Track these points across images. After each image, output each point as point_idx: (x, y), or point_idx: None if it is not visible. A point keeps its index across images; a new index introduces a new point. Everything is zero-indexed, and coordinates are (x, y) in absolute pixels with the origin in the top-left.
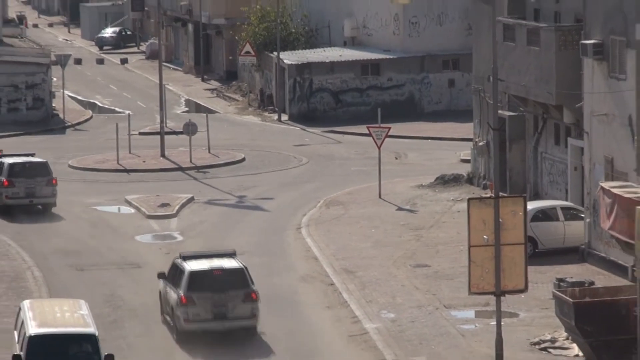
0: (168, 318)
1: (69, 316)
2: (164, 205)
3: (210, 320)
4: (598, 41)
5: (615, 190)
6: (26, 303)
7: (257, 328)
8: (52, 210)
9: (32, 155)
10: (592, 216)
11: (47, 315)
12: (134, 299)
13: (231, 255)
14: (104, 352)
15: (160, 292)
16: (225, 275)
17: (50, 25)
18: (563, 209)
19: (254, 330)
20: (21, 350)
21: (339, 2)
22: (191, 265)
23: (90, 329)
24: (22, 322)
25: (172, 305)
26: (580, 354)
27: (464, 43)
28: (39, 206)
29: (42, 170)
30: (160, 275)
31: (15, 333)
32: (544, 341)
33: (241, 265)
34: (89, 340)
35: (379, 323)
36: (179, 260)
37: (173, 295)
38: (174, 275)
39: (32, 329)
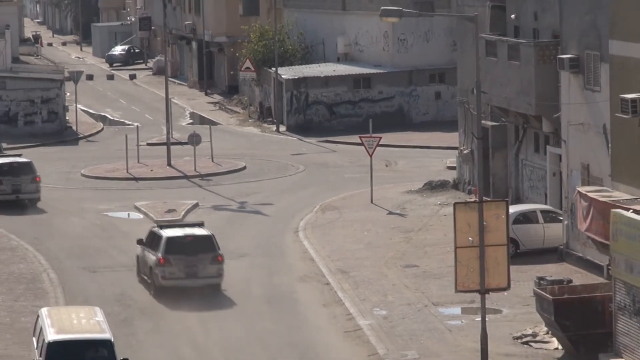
0: (145, 277)
1: (85, 322)
2: (170, 210)
3: (184, 278)
4: (574, 56)
5: (591, 195)
6: (44, 311)
7: (221, 286)
8: (37, 205)
9: (19, 156)
10: (570, 219)
11: (64, 322)
12: (143, 298)
13: (200, 225)
14: (119, 356)
15: (138, 256)
16: (196, 241)
17: (64, 44)
18: (543, 212)
19: (218, 287)
20: (40, 356)
21: (332, 21)
22: (167, 233)
23: (106, 335)
24: (41, 329)
25: (151, 266)
26: (560, 347)
27: (449, 58)
28: (26, 201)
29: (27, 169)
30: (139, 242)
31: (34, 340)
32: (526, 335)
33: (209, 233)
34: (105, 345)
35: (371, 320)
36: (156, 229)
37: (152, 257)
38: (152, 241)
39: (51, 335)
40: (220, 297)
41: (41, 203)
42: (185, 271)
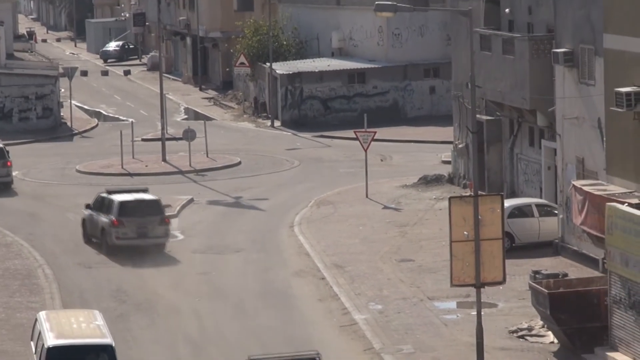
0: (95, 239)
1: (85, 327)
2: (165, 206)
3: (135, 238)
4: (568, 50)
5: (586, 188)
6: (42, 314)
7: (166, 245)
8: (12, 188)
9: None
10: (565, 212)
11: (64, 327)
12: (138, 294)
13: (145, 190)
14: None
15: (84, 220)
16: (145, 204)
17: (58, 40)
18: (538, 206)
19: (164, 247)
20: None
21: (326, 16)
22: (119, 197)
23: (107, 340)
24: (40, 334)
25: (103, 227)
26: (555, 340)
27: (443, 53)
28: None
29: None
30: (87, 206)
31: (32, 344)
32: (522, 329)
33: (157, 197)
34: (106, 350)
35: (367, 314)
36: (105, 194)
37: (104, 219)
38: (101, 205)
39: (50, 340)
40: (216, 292)
41: (36, 199)
42: (136, 232)
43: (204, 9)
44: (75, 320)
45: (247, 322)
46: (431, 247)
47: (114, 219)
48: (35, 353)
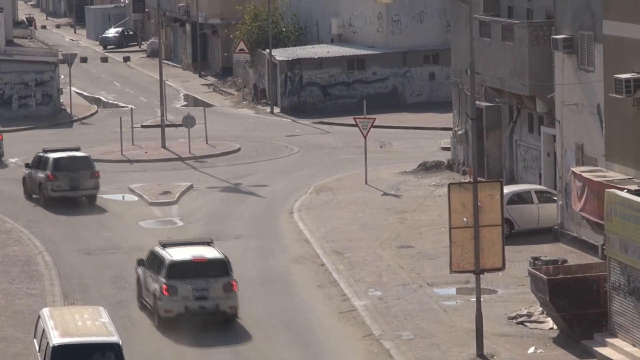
0: (34, 195)
1: (90, 324)
2: (165, 193)
3: (68, 190)
4: (568, 36)
5: (585, 175)
6: (45, 311)
7: (97, 198)
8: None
9: None
10: (564, 199)
11: (68, 324)
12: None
13: (77, 149)
14: None
15: (24, 178)
16: (76, 160)
17: (58, 26)
18: (537, 192)
19: (94, 198)
20: None
21: (326, 2)
22: (53, 155)
23: (114, 338)
24: (43, 331)
25: (40, 182)
26: (555, 327)
27: (443, 39)
28: None
29: None
30: (27, 165)
31: (36, 342)
32: (521, 315)
33: (87, 154)
34: (113, 349)
35: (366, 300)
36: (41, 153)
37: (41, 175)
38: (39, 163)
39: (55, 338)
40: None
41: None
42: (69, 184)
43: None
44: (80, 318)
45: (246, 308)
46: (431, 234)
47: (49, 173)
48: (39, 351)
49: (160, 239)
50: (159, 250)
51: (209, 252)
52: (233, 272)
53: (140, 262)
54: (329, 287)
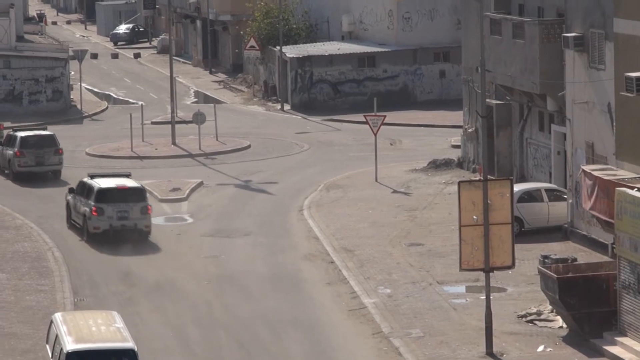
0: (6, 171)
1: (104, 330)
2: (175, 189)
3: (34, 166)
4: (579, 34)
5: (595, 173)
6: (58, 316)
7: (61, 173)
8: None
9: None
10: (574, 197)
11: (82, 330)
12: (147, 277)
13: (44, 128)
14: None
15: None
16: (42, 139)
17: (68, 22)
18: (547, 190)
19: (59, 174)
20: None
21: None
22: (21, 134)
23: (129, 344)
24: (57, 337)
25: (9, 159)
26: (564, 325)
27: (453, 37)
28: None
29: None
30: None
31: (48, 348)
32: (530, 314)
33: (52, 133)
34: (128, 355)
35: (376, 298)
36: (11, 132)
37: (9, 152)
38: (9, 141)
39: (69, 344)
40: (225, 276)
41: (45, 181)
42: (35, 160)
43: None
44: (94, 323)
45: (255, 305)
46: (440, 232)
47: (16, 150)
48: (52, 357)
49: (170, 235)
50: (88, 180)
51: (129, 182)
52: (148, 199)
53: (70, 190)
54: (339, 284)
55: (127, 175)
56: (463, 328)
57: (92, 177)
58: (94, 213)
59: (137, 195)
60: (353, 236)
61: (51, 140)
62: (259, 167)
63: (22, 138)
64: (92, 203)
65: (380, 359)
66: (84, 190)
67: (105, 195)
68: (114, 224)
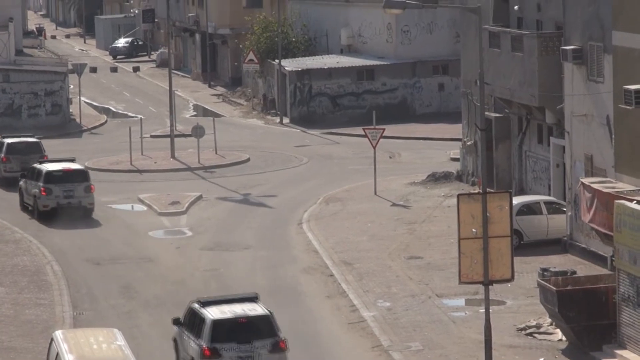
0: None
1: (106, 348)
2: (174, 203)
3: (20, 171)
4: (577, 47)
5: (594, 186)
6: (59, 334)
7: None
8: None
9: None
10: (574, 210)
11: (83, 348)
12: (147, 290)
13: (31, 135)
14: None
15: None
16: (28, 145)
17: (67, 36)
18: (546, 203)
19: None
20: None
21: (335, 13)
22: (7, 140)
23: None
24: (57, 355)
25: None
26: (564, 338)
27: (452, 50)
28: None
29: None
30: None
31: None
32: (530, 327)
33: (37, 139)
34: None
35: (375, 311)
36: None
37: (34, 188)
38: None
39: None
40: (224, 289)
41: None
42: (20, 166)
43: (213, 5)
44: (95, 341)
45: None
46: (439, 245)
47: (3, 156)
48: None
49: (169, 248)
50: (37, 165)
51: (74, 165)
52: (91, 179)
53: (22, 176)
54: (338, 297)
55: (72, 160)
56: (462, 341)
57: (40, 162)
58: (42, 193)
59: (81, 176)
60: (352, 249)
61: (37, 147)
62: (258, 180)
63: (9, 144)
64: (41, 184)
65: None
66: (34, 174)
67: (52, 176)
68: (61, 202)
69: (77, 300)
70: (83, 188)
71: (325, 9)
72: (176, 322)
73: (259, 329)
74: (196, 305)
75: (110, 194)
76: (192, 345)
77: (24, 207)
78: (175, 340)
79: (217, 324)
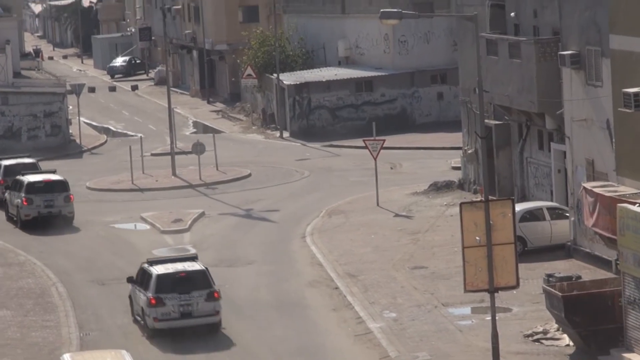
0: None
1: None
2: (177, 220)
3: (43, 207)
4: (575, 52)
5: (596, 190)
6: (67, 357)
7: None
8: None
9: None
10: (576, 215)
11: None
12: None
13: (28, 156)
14: None
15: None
16: (24, 166)
17: (65, 57)
18: (549, 209)
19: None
20: None
21: (332, 25)
22: (4, 162)
23: None
24: None
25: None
26: (571, 343)
27: (450, 58)
28: None
29: None
30: None
31: None
32: (537, 333)
33: (34, 160)
34: None
35: (382, 322)
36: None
37: (17, 199)
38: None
39: None
40: (229, 305)
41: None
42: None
43: (210, 21)
44: None
45: (261, 334)
46: (443, 254)
47: (0, 178)
48: None
49: None
50: (20, 177)
51: (54, 176)
52: (70, 189)
53: (6, 187)
54: (344, 310)
55: (53, 172)
56: (470, 349)
57: (23, 174)
58: (24, 203)
59: (61, 186)
60: (356, 261)
61: (34, 168)
62: (260, 195)
63: (6, 167)
64: (23, 195)
65: None
66: (16, 185)
67: (33, 187)
68: (42, 211)
69: (83, 321)
70: (63, 198)
71: (321, 22)
72: (130, 280)
73: (197, 282)
74: (146, 265)
75: (112, 214)
76: (142, 297)
77: (9, 218)
78: (130, 297)
79: (161, 277)
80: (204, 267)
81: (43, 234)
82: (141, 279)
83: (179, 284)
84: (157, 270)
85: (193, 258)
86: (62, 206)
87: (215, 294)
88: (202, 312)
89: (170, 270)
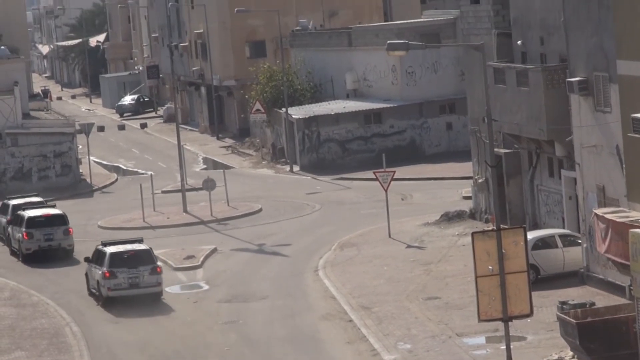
0: None
1: None
2: (189, 257)
3: (43, 241)
4: (583, 78)
5: (608, 216)
6: None
7: None
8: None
9: None
10: (589, 241)
11: None
12: (167, 346)
13: (36, 195)
14: None
15: None
16: (34, 205)
17: (73, 97)
18: (561, 236)
19: None
20: None
21: (339, 58)
22: (12, 202)
23: None
24: None
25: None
26: None
27: (458, 88)
28: None
29: None
30: None
31: None
32: None
33: (42, 199)
34: None
35: (396, 354)
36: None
37: (18, 233)
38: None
39: None
40: (243, 341)
41: (60, 256)
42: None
43: (217, 57)
44: None
45: None
46: (457, 284)
47: (9, 218)
48: None
49: (186, 303)
50: (21, 212)
51: (53, 210)
52: (69, 223)
53: (9, 222)
54: (359, 342)
55: (53, 206)
56: None
57: (24, 209)
58: (25, 237)
59: (60, 220)
60: (370, 293)
61: (41, 206)
62: (272, 230)
63: (14, 207)
64: (24, 229)
65: None
66: (17, 220)
67: (33, 221)
68: (42, 245)
69: (97, 359)
70: (62, 231)
71: (328, 55)
72: (87, 259)
73: (143, 259)
74: (100, 246)
75: None
76: (97, 272)
77: (13, 252)
78: (86, 274)
79: (113, 255)
80: (148, 247)
81: (55, 275)
82: (96, 257)
83: (128, 260)
84: (110, 249)
85: (139, 240)
86: (62, 239)
87: (158, 269)
88: (147, 284)
89: (121, 249)
